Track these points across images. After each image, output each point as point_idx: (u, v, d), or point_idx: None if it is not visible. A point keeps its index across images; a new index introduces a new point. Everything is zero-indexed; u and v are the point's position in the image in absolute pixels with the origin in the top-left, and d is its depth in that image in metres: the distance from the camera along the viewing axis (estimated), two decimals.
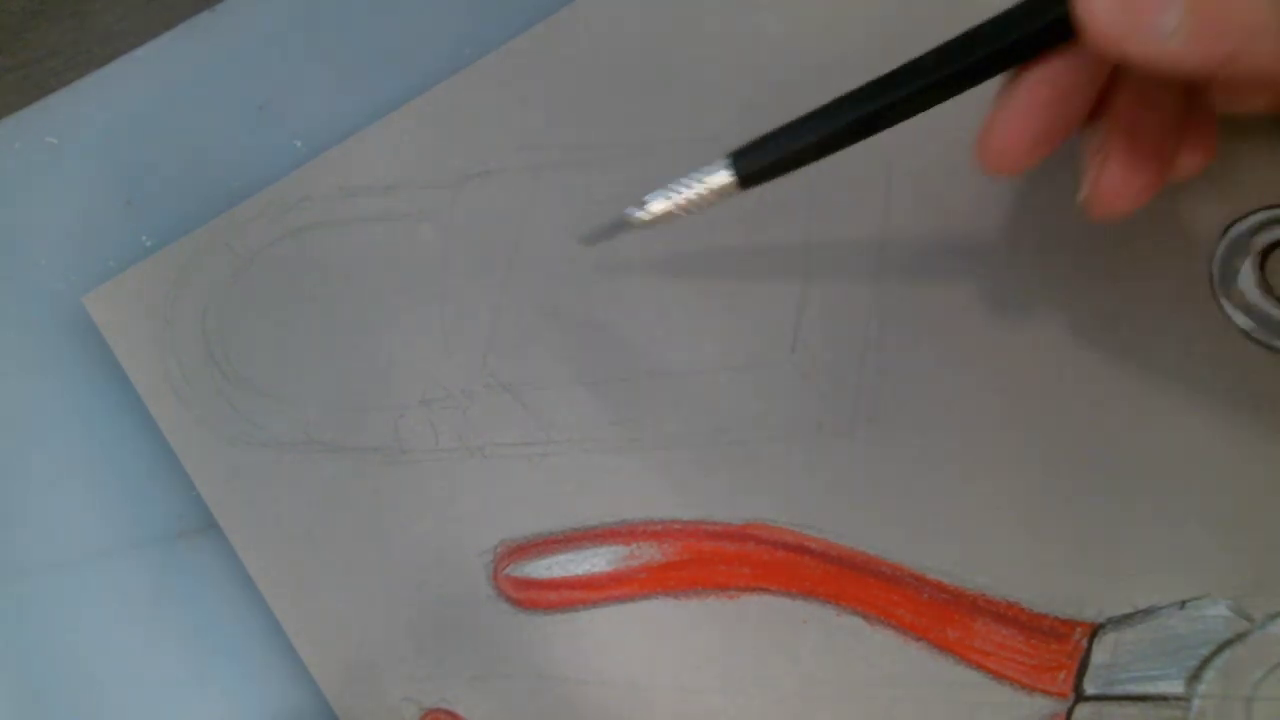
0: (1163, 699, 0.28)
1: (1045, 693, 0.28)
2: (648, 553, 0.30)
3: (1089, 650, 0.28)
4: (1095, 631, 0.28)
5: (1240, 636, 0.28)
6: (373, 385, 0.32)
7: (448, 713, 0.30)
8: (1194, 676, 0.28)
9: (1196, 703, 0.28)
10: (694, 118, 0.32)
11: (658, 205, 0.27)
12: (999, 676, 0.29)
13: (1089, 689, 0.28)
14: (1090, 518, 0.29)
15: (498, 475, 0.31)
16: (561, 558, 0.31)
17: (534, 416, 0.31)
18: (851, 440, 0.30)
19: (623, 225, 0.28)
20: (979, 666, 0.29)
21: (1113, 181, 0.24)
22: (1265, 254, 0.30)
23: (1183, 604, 0.28)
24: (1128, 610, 0.28)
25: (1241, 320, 0.29)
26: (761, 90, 0.32)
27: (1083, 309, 0.30)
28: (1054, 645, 0.29)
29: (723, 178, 0.26)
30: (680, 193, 0.27)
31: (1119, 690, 0.28)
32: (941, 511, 0.30)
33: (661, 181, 0.27)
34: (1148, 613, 0.28)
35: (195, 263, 0.32)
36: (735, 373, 0.31)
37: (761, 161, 0.25)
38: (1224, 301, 0.30)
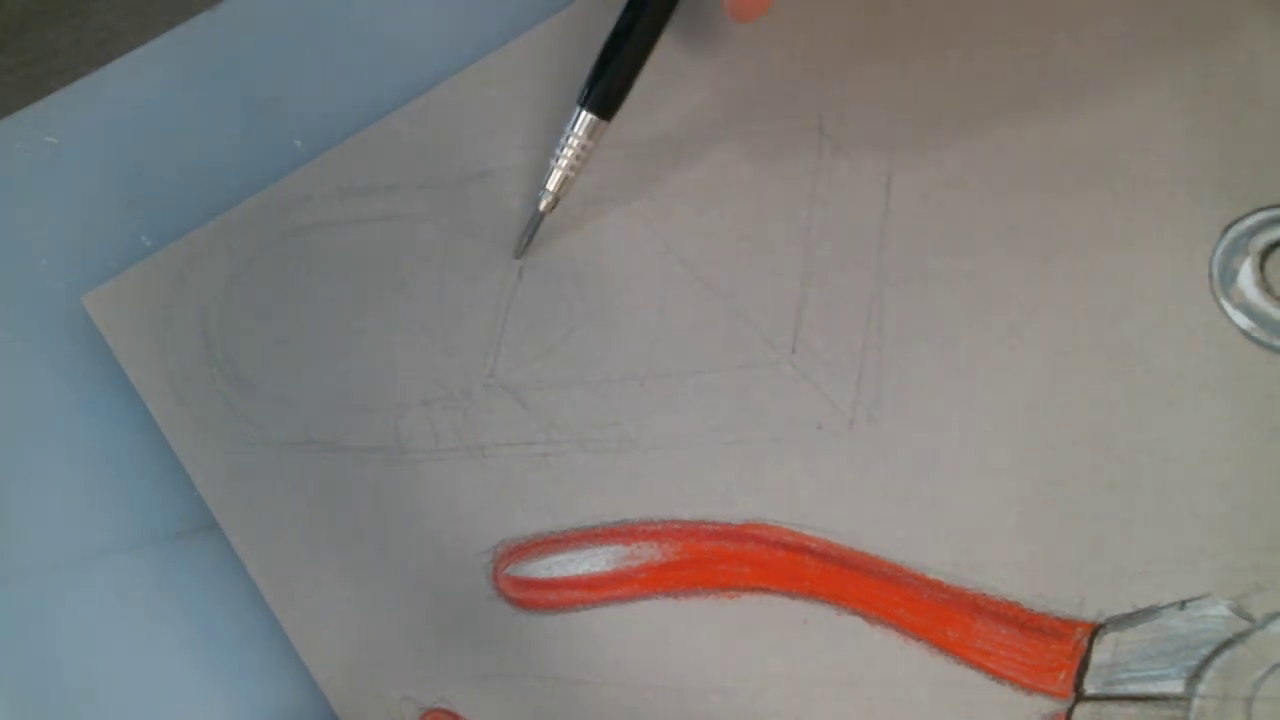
0: (1163, 699, 0.28)
1: (1045, 693, 0.28)
2: (648, 553, 0.30)
3: (1089, 650, 0.28)
4: (1095, 631, 0.28)
5: (1240, 636, 0.28)
6: (373, 385, 0.32)
7: (447, 712, 0.30)
8: (1194, 676, 0.28)
9: (1196, 703, 0.28)
10: (692, 115, 0.32)
11: (552, 182, 0.30)
12: (999, 676, 0.29)
13: (1089, 689, 0.28)
14: (1090, 517, 0.29)
15: (498, 475, 0.31)
16: (561, 558, 0.31)
17: (534, 416, 0.31)
18: (851, 440, 0.30)
19: (537, 218, 0.30)
20: (979, 666, 0.29)
21: None
22: (1265, 254, 0.30)
23: (1183, 604, 0.28)
24: (1128, 610, 0.28)
25: (1241, 320, 0.29)
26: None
27: (1082, 309, 0.30)
28: (1054, 645, 0.29)
29: (586, 120, 0.29)
30: (564, 156, 0.30)
31: (1119, 690, 0.28)
32: (941, 511, 0.30)
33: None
34: (1148, 613, 0.28)
35: (195, 263, 0.32)
36: (735, 373, 0.31)
37: (605, 89, 0.29)
38: (1224, 301, 0.30)
